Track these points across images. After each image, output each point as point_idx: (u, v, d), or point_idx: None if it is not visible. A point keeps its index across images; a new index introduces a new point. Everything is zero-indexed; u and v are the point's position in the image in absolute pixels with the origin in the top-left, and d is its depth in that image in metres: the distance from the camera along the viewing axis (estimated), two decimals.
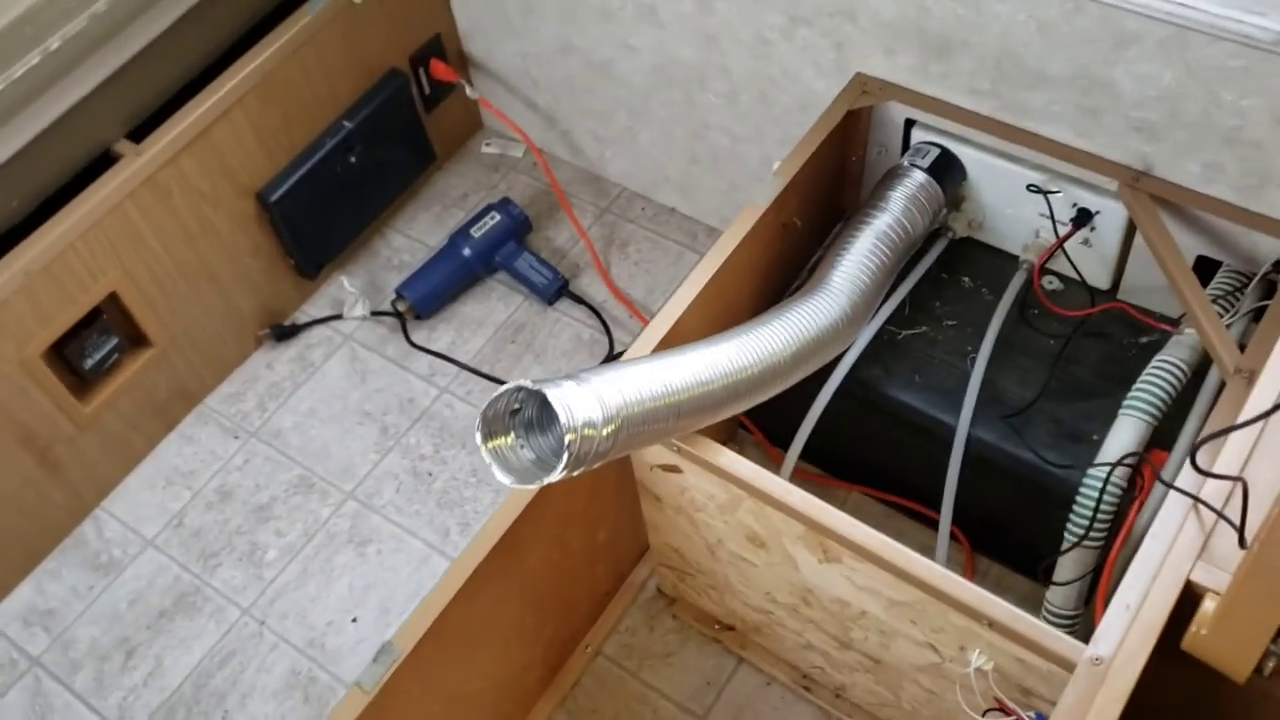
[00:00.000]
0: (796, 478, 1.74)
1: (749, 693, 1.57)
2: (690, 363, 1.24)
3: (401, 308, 1.94)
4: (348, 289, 1.97)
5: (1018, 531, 1.59)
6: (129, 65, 1.61)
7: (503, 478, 1.06)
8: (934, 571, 1.18)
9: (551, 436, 1.10)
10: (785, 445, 1.61)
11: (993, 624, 1.15)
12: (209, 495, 1.82)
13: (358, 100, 1.91)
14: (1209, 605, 0.93)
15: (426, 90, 2.03)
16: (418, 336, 1.95)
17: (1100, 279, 1.60)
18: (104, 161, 1.66)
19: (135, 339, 1.79)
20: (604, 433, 1.08)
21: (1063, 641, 1.10)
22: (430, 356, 1.91)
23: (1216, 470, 1.01)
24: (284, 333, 1.96)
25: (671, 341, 1.41)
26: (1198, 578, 0.97)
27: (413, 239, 2.07)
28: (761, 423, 1.76)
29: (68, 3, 1.41)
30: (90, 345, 1.71)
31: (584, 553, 1.51)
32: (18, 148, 1.52)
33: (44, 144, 1.56)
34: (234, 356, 1.95)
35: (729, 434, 1.78)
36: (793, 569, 1.35)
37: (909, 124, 1.62)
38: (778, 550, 1.34)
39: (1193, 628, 0.94)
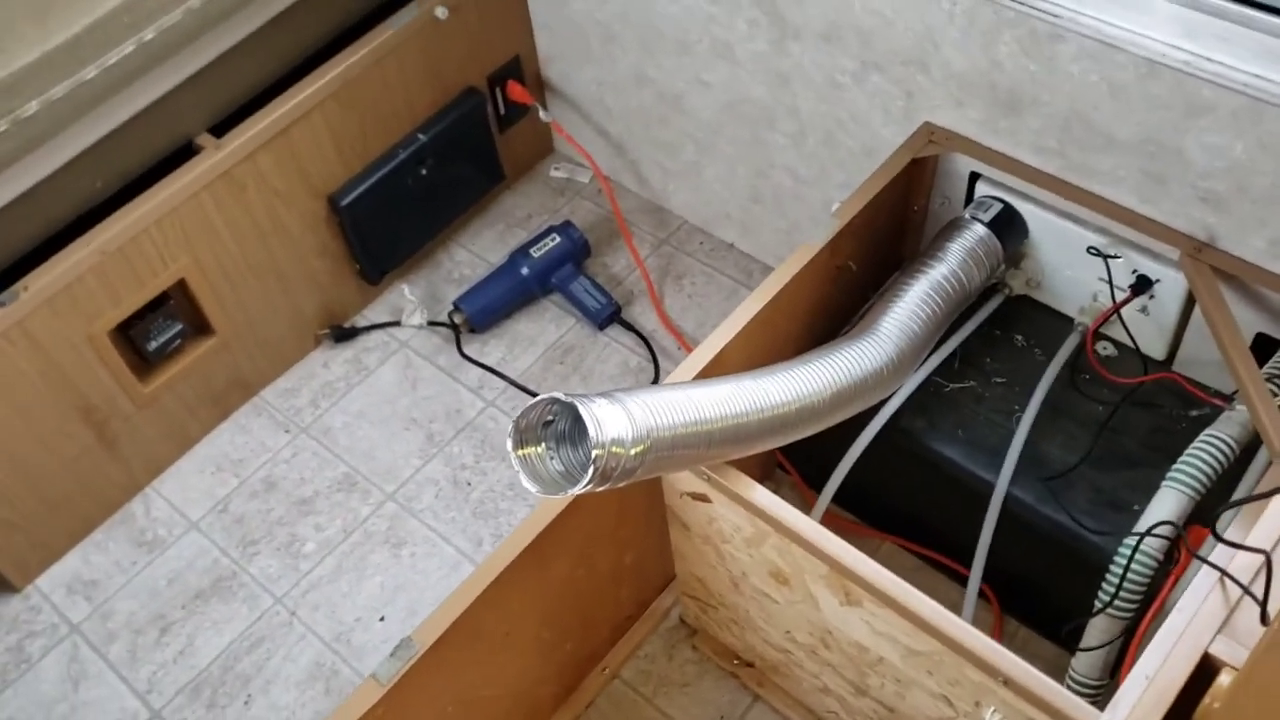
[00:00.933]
0: (829, 522, 1.73)
1: None
2: (727, 393, 1.25)
3: (457, 320, 1.97)
4: (408, 297, 2.01)
5: (1049, 596, 1.57)
6: (216, 62, 1.67)
7: (529, 485, 1.08)
8: (952, 623, 1.17)
9: (581, 450, 1.11)
10: (821, 488, 1.61)
11: (1008, 682, 1.14)
12: (255, 484, 1.86)
13: (434, 115, 1.96)
14: (1224, 679, 0.92)
15: (502, 110, 2.07)
16: (470, 349, 1.98)
17: (1156, 349, 1.58)
18: (186, 152, 1.72)
19: (199, 327, 1.84)
20: (632, 452, 1.09)
21: (1078, 707, 1.08)
22: (480, 369, 1.94)
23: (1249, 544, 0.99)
24: (343, 334, 2.01)
25: (714, 371, 1.42)
26: (1216, 650, 0.95)
27: (475, 254, 2.10)
28: (799, 464, 1.76)
29: None
30: (155, 328, 1.76)
31: (609, 574, 1.52)
32: (105, 132, 1.58)
33: (130, 130, 1.62)
34: (293, 353, 1.99)
35: (766, 473, 1.78)
36: (814, 609, 1.34)
37: (974, 177, 1.62)
38: (800, 589, 1.34)
39: (1206, 699, 0.93)
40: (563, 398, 1.06)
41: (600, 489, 1.11)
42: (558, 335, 1.99)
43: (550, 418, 1.12)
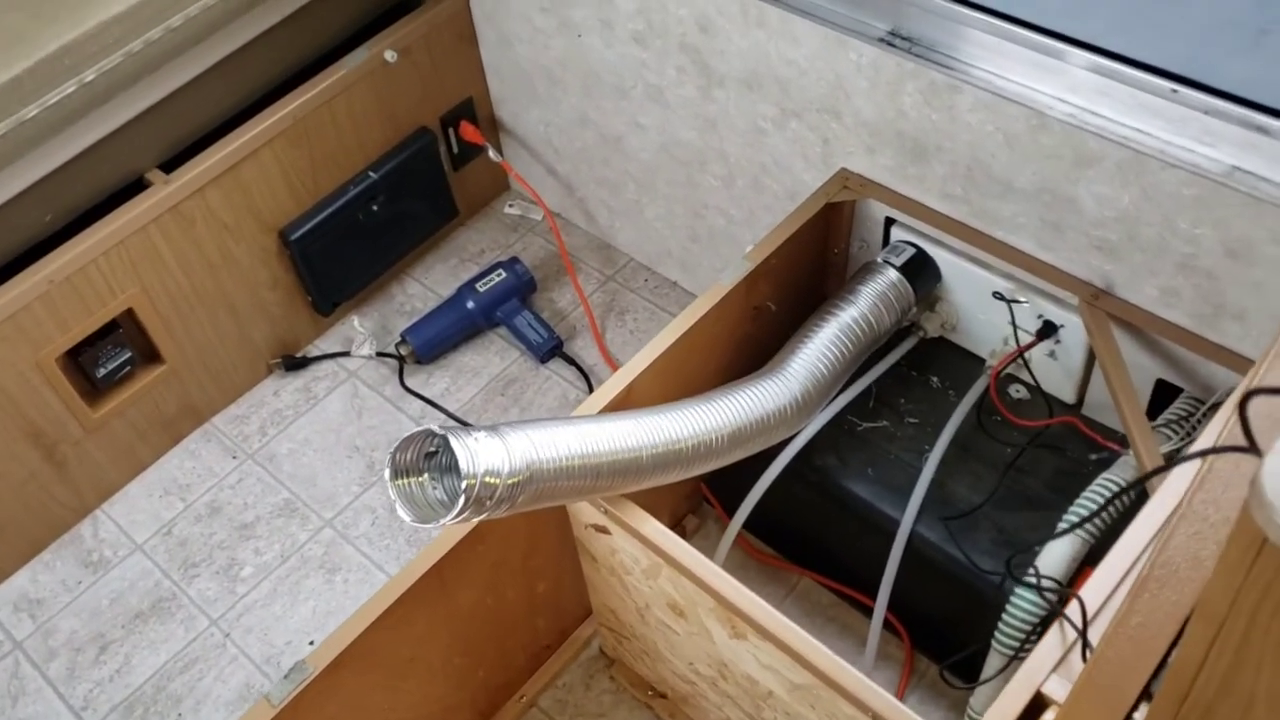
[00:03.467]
0: (752, 558, 1.77)
1: None
2: (620, 428, 1.29)
3: (403, 351, 2.03)
4: (357, 329, 2.07)
5: (954, 634, 1.59)
6: (166, 101, 1.74)
7: (403, 513, 1.12)
8: (824, 657, 1.21)
9: (456, 479, 1.15)
10: (744, 523, 1.64)
11: (875, 716, 1.17)
12: (200, 509, 1.92)
13: (385, 153, 2.02)
14: (1048, 717, 0.95)
15: (455, 149, 2.13)
16: (416, 380, 2.03)
17: (1065, 392, 1.61)
18: (136, 187, 1.78)
19: (149, 355, 1.90)
20: (508, 482, 1.13)
21: None
22: (421, 401, 1.99)
23: (1087, 588, 1.02)
24: (294, 364, 2.06)
25: (623, 405, 1.46)
26: (1049, 689, 0.99)
27: (427, 288, 2.16)
28: (722, 497, 1.79)
29: (104, 40, 1.53)
30: (104, 356, 1.82)
31: (522, 603, 1.56)
32: (53, 167, 1.65)
33: (79, 165, 1.69)
34: (244, 381, 2.05)
35: (692, 506, 1.82)
36: (709, 641, 1.38)
37: (889, 222, 1.66)
38: (695, 621, 1.37)
39: None
40: (437, 430, 1.11)
41: (478, 518, 1.15)
42: (501, 368, 2.04)
43: (433, 449, 1.16)
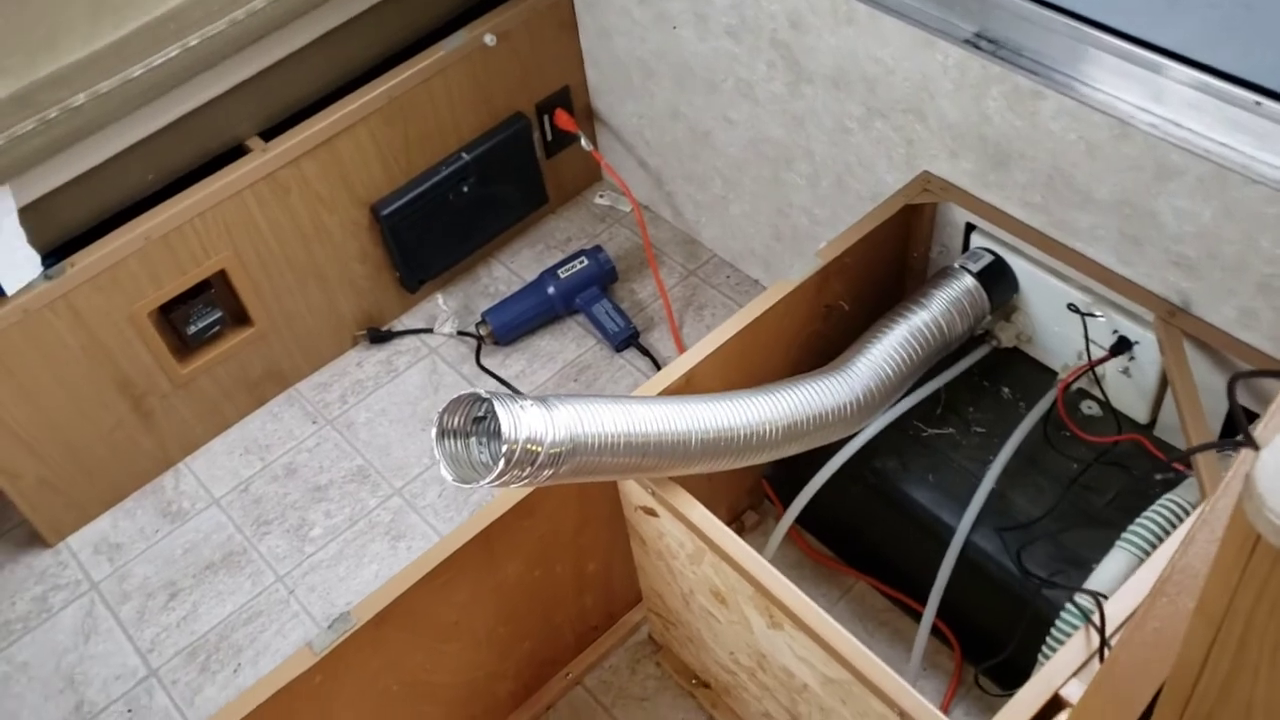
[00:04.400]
0: (809, 557, 1.76)
1: None
2: (669, 410, 1.30)
3: (483, 331, 2.06)
4: (441, 306, 2.11)
5: (1003, 645, 1.56)
6: (269, 71, 1.80)
7: (445, 473, 1.15)
8: (856, 651, 1.20)
9: (499, 443, 1.18)
10: (803, 521, 1.64)
11: (903, 714, 1.16)
12: (277, 469, 1.98)
13: (479, 136, 2.06)
14: (1062, 718, 0.93)
15: (549, 137, 2.17)
16: (493, 360, 2.07)
17: (1139, 411, 1.57)
18: (236, 153, 1.85)
19: (239, 317, 1.97)
20: (550, 451, 1.15)
21: None
22: (495, 380, 2.03)
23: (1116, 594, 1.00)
24: (378, 336, 2.12)
25: (681, 391, 1.47)
26: (1066, 692, 0.97)
27: (512, 271, 2.20)
28: (782, 494, 1.79)
29: (209, 7, 1.60)
30: (195, 314, 1.89)
31: (571, 580, 1.58)
32: (157, 128, 1.72)
33: (183, 128, 1.76)
34: (329, 350, 2.11)
35: (753, 501, 1.82)
36: (748, 630, 1.38)
37: (969, 228, 1.64)
38: (735, 609, 1.37)
39: None
40: (484, 394, 1.13)
41: (519, 484, 1.17)
42: (577, 354, 2.06)
43: (481, 413, 1.19)
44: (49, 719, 1.73)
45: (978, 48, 1.43)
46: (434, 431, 1.16)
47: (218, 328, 1.93)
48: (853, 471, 1.59)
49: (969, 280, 1.58)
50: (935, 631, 1.60)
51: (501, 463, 1.12)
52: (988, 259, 1.60)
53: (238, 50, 1.69)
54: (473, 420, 1.19)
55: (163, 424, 1.95)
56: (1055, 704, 0.97)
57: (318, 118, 1.88)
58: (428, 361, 2.10)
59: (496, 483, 1.14)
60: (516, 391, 2.00)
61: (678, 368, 1.47)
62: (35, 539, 1.92)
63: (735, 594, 1.35)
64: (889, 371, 1.52)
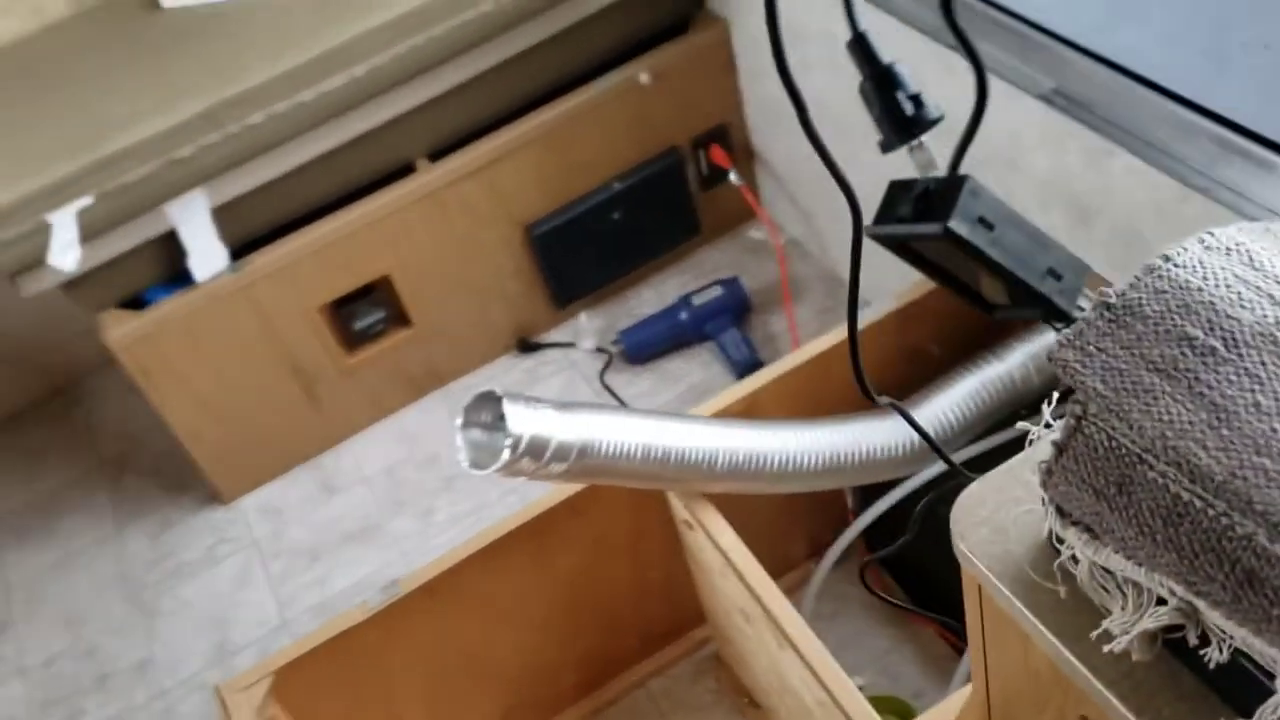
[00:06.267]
0: (878, 599, 1.78)
1: None
2: (702, 429, 1.38)
3: (614, 349, 2.19)
4: (584, 324, 2.26)
5: None
6: (439, 99, 2.01)
7: (460, 457, 1.28)
8: (837, 678, 1.24)
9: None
10: (881, 551, 1.67)
11: None
12: (420, 458, 2.18)
13: (632, 167, 2.20)
14: None
15: (705, 171, 2.28)
16: (623, 378, 2.19)
17: None
18: (404, 171, 2.07)
19: (400, 318, 2.19)
20: (556, 447, 1.26)
21: None
22: (611, 396, 2.16)
23: None
24: (527, 346, 2.29)
25: (742, 414, 1.54)
26: None
27: (659, 295, 2.32)
28: (869, 535, 1.81)
29: (374, 42, 1.81)
30: (362, 312, 2.12)
31: (632, 586, 1.67)
32: (335, 145, 1.96)
33: (358, 147, 1.99)
34: (481, 354, 2.30)
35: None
36: (767, 650, 1.43)
37: None
38: (756, 629, 1.43)
39: None
40: (498, 391, 1.26)
41: (527, 475, 1.29)
42: (702, 379, 2.16)
43: (502, 410, 1.31)
44: (197, 651, 1.99)
45: (1052, 103, 1.44)
46: (459, 420, 1.29)
47: (381, 326, 2.15)
48: (916, 514, 1.60)
49: (1051, 335, 1.57)
50: None
51: (506, 453, 1.24)
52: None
53: (399, 83, 1.90)
54: (498, 416, 1.32)
55: (329, 407, 2.19)
56: None
57: (481, 142, 2.07)
58: (567, 374, 2.25)
59: (505, 470, 1.26)
60: (570, 402, 2.11)
61: (738, 390, 1.55)
62: (215, 497, 2.20)
63: (755, 613, 1.40)
64: (950, 419, 1.54)
